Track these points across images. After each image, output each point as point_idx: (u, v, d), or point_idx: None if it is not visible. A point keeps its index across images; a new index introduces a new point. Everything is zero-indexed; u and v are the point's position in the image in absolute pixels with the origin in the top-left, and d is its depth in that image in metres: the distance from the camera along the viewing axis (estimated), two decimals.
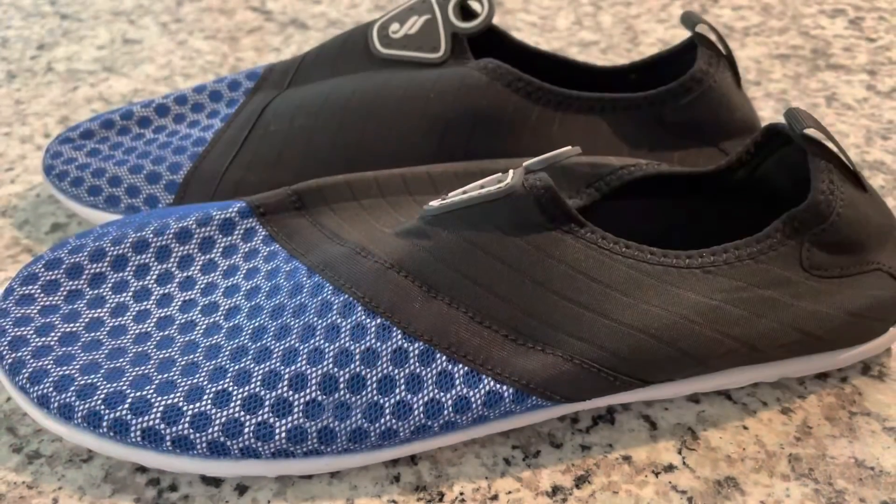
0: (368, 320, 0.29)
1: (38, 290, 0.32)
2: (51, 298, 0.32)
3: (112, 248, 0.33)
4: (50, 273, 0.32)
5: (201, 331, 0.31)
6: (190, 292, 0.32)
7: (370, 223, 0.33)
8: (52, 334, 0.31)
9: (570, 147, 0.30)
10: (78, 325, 0.31)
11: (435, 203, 0.30)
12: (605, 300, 0.29)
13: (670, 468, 0.30)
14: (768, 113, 0.52)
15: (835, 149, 0.31)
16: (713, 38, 0.38)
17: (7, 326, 0.31)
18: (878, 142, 0.49)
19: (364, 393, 0.28)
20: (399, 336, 0.29)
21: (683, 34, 0.62)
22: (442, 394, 0.28)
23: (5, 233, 0.42)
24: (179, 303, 0.32)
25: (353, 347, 0.28)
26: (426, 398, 0.28)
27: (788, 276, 0.30)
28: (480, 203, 0.29)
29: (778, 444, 0.30)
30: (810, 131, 0.31)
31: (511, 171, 0.30)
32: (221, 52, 0.60)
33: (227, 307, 0.31)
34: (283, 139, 0.39)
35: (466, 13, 0.40)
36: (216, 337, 0.30)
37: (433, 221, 0.30)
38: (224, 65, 0.58)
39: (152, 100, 0.42)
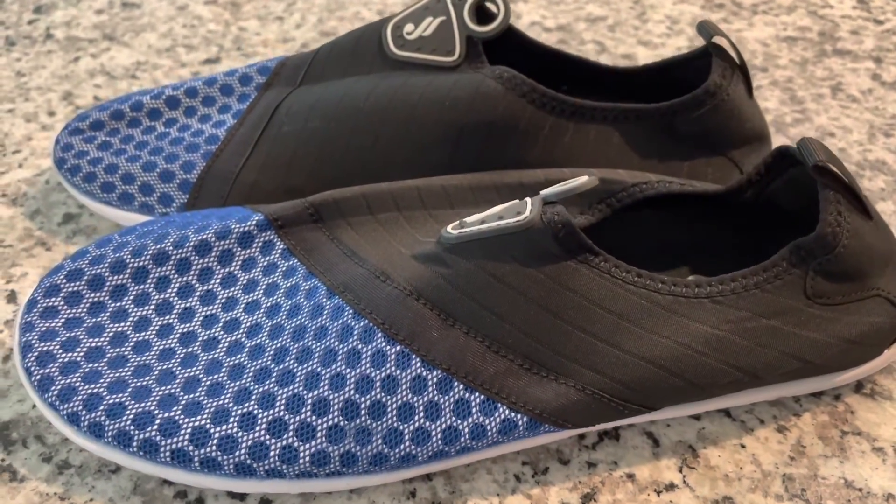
0: (388, 347, 0.30)
1: (61, 302, 0.33)
2: (74, 311, 0.33)
3: (132, 260, 0.33)
4: (72, 284, 0.33)
5: (224, 349, 0.32)
6: (211, 307, 0.33)
7: (387, 241, 0.34)
8: (78, 350, 0.31)
9: (587, 178, 0.31)
10: (102, 339, 0.32)
11: (454, 231, 0.31)
12: (616, 331, 0.30)
13: (671, 487, 0.31)
14: (773, 104, 0.52)
15: (845, 178, 0.32)
16: (728, 48, 0.39)
17: (33, 341, 0.32)
18: (880, 139, 0.49)
19: (384, 419, 0.29)
20: (418, 364, 0.30)
21: (692, 10, 0.62)
22: (459, 421, 0.29)
23: (17, 224, 0.42)
24: (201, 318, 0.33)
25: (373, 374, 0.30)
26: (444, 426, 0.29)
27: (792, 305, 0.32)
28: (498, 235, 0.30)
29: (773, 464, 0.32)
30: (822, 163, 0.32)
31: (528, 202, 0.31)
32: (223, 19, 0.59)
33: (248, 324, 0.32)
34: (297, 141, 0.39)
35: (482, 14, 0.40)
36: (239, 356, 0.31)
37: (452, 249, 0.31)
38: (227, 35, 0.57)
39: (162, 90, 0.42)
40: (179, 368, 0.31)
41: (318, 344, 0.31)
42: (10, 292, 0.38)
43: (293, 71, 0.41)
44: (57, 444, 0.32)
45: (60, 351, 0.31)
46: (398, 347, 0.30)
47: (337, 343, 0.30)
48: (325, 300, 0.32)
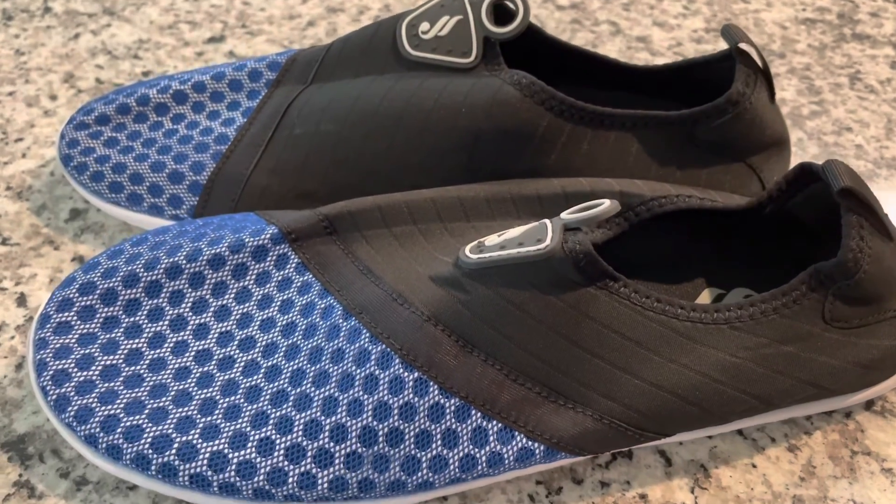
0: (406, 374, 0.30)
1: (74, 317, 0.32)
2: (87, 326, 0.32)
3: (145, 274, 0.33)
4: (85, 298, 0.33)
5: (240, 369, 0.32)
6: (225, 323, 0.33)
7: (403, 257, 0.33)
8: (93, 368, 0.31)
9: (609, 203, 0.30)
10: (117, 356, 0.32)
11: (472, 255, 0.31)
12: (634, 359, 0.30)
13: None
14: (791, 94, 0.51)
15: (869, 202, 0.32)
16: (753, 53, 0.38)
17: (48, 359, 0.31)
18: None
19: (402, 447, 0.29)
20: (436, 391, 0.30)
21: None
22: (476, 449, 0.30)
23: (24, 220, 0.41)
24: (216, 335, 0.32)
25: (391, 401, 0.30)
26: (461, 454, 0.30)
27: (810, 330, 0.32)
28: (518, 262, 0.30)
29: (783, 485, 0.33)
30: (848, 187, 0.31)
31: (549, 228, 0.30)
32: None
33: (264, 343, 0.32)
34: (309, 144, 0.38)
35: (500, 12, 0.38)
36: (255, 377, 0.31)
37: (470, 274, 0.31)
38: (230, 10, 0.56)
39: (169, 84, 0.41)
40: (195, 389, 0.31)
41: (336, 368, 0.31)
42: (20, 295, 0.38)
43: (304, 67, 0.40)
44: (74, 458, 0.32)
45: (75, 369, 0.31)
46: (416, 374, 0.30)
47: (354, 368, 0.30)
48: (341, 321, 0.32)
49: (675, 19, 0.57)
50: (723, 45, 0.55)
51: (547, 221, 0.31)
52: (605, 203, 0.30)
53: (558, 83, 0.42)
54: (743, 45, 0.37)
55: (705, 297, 0.37)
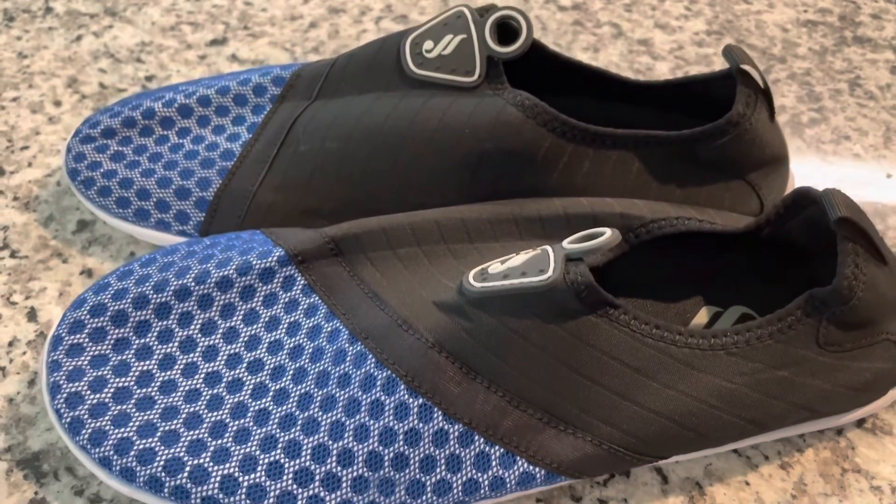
0: (411, 400, 0.31)
1: (86, 339, 0.33)
2: (99, 347, 0.33)
3: (154, 296, 0.34)
4: (95, 320, 0.33)
5: (249, 391, 0.32)
6: (234, 345, 0.34)
7: (408, 280, 0.34)
8: (106, 390, 0.32)
9: (611, 233, 0.31)
10: (129, 378, 0.33)
11: (476, 283, 0.31)
12: (633, 385, 0.31)
13: None
14: (791, 101, 0.51)
15: (866, 230, 0.32)
16: (754, 74, 0.38)
17: (61, 381, 0.32)
18: (895, 143, 0.49)
19: (407, 471, 0.30)
20: (440, 417, 0.31)
21: None
22: (479, 474, 0.31)
23: (31, 231, 0.42)
24: (225, 357, 0.33)
25: (396, 427, 0.30)
26: (465, 478, 0.31)
27: (804, 355, 0.32)
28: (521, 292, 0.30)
29: (776, 503, 0.34)
30: (844, 217, 0.32)
31: (551, 258, 0.31)
32: None
33: (272, 366, 0.33)
34: (314, 161, 0.38)
35: (504, 29, 0.39)
36: (264, 400, 0.32)
37: (474, 302, 0.31)
38: (232, 10, 0.56)
39: (174, 97, 0.41)
40: (206, 411, 0.32)
41: (342, 392, 0.31)
42: (31, 309, 0.39)
43: (309, 83, 0.40)
44: (88, 476, 0.33)
45: (88, 392, 0.32)
46: (420, 400, 0.31)
47: (360, 393, 0.31)
48: (347, 345, 0.32)
49: (677, 21, 0.57)
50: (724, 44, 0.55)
51: (549, 250, 0.32)
52: (607, 234, 0.31)
53: (559, 96, 0.42)
54: (745, 67, 0.37)
55: (702, 316, 0.38)
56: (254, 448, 0.31)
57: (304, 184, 0.39)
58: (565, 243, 0.32)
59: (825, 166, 0.48)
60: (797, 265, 0.38)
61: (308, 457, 0.30)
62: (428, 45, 0.39)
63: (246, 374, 0.33)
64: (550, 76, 0.42)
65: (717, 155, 0.38)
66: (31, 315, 0.39)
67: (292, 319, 0.34)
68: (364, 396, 0.31)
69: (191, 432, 0.31)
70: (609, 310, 0.31)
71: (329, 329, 0.33)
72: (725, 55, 0.38)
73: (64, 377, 0.32)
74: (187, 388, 0.33)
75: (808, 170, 0.47)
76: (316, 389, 0.32)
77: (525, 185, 0.38)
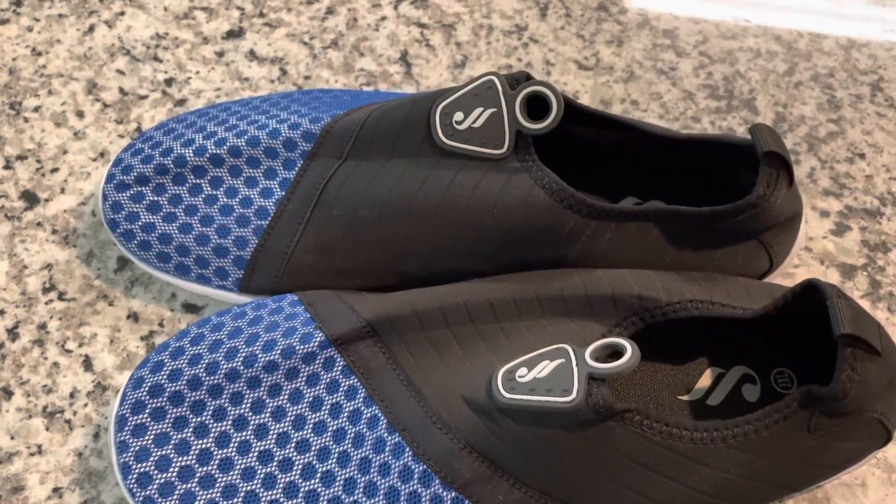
0: (445, 493, 0.35)
1: (148, 418, 0.37)
2: (160, 426, 0.37)
3: (207, 378, 0.37)
4: (155, 400, 0.37)
5: (298, 471, 0.36)
6: (281, 424, 0.37)
7: (441, 370, 0.37)
8: (171, 469, 0.36)
9: (630, 355, 0.33)
10: (190, 457, 0.36)
11: (505, 393, 0.34)
12: (643, 480, 0.35)
13: None
14: (810, 109, 0.52)
15: (868, 337, 0.35)
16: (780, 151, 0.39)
17: (130, 462, 0.36)
18: None
19: None
20: None
21: None
22: None
23: (75, 270, 0.44)
24: (275, 436, 0.37)
25: None
26: None
27: (795, 443, 0.36)
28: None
29: None
30: (848, 333, 0.34)
31: (575, 379, 0.34)
32: None
33: (318, 447, 0.37)
34: (348, 228, 0.40)
35: (533, 99, 0.39)
36: (312, 481, 0.36)
37: (503, 410, 0.34)
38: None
39: (203, 144, 0.42)
40: (262, 489, 0.36)
41: (383, 481, 0.35)
42: (85, 358, 0.42)
43: (338, 141, 0.41)
44: None
45: (156, 471, 0.36)
46: (453, 494, 0.35)
47: (400, 483, 0.35)
48: (386, 435, 0.36)
49: (705, 2, 0.56)
50: (750, 34, 0.54)
51: (573, 361, 0.34)
52: (628, 354, 0.34)
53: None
54: (771, 150, 0.38)
55: (706, 379, 0.41)
56: None
57: (337, 247, 0.40)
58: (588, 356, 0.34)
59: (837, 187, 0.49)
60: (797, 326, 0.41)
61: None
62: (458, 116, 0.39)
63: (294, 453, 0.37)
64: (572, 129, 0.43)
65: (736, 227, 0.40)
66: (87, 364, 0.42)
67: (334, 401, 0.37)
68: (403, 487, 0.35)
69: None
70: (625, 415, 0.34)
71: (368, 415, 0.37)
72: (752, 134, 0.39)
73: (132, 457, 0.36)
74: (243, 465, 0.36)
75: (817, 202, 0.49)
76: (359, 475, 0.36)
77: (547, 255, 0.40)
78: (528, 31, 0.54)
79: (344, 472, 0.36)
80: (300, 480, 0.36)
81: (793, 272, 0.46)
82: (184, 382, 0.37)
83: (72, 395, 0.41)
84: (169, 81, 0.50)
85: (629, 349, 0.34)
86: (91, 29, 0.52)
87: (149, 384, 0.37)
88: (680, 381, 0.41)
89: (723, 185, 0.44)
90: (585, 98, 0.52)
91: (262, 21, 0.53)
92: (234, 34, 0.52)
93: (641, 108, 0.51)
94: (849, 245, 0.47)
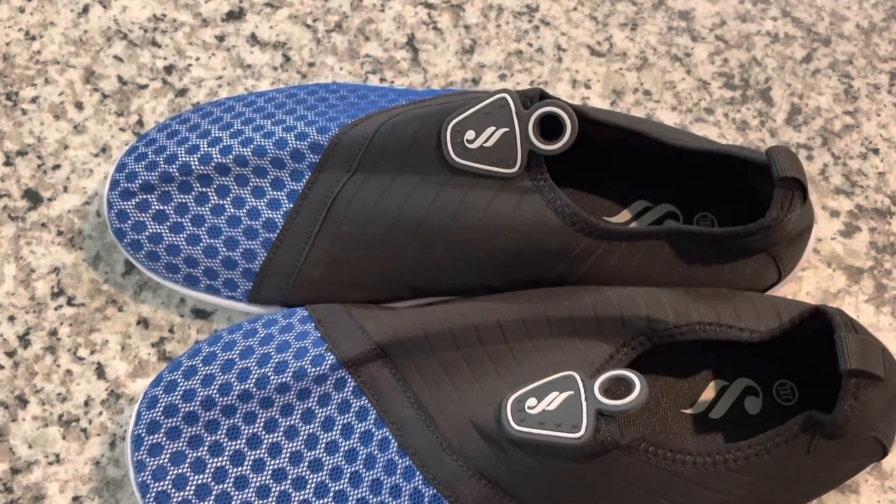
0: None
1: (164, 438, 0.37)
2: (176, 445, 0.37)
3: (221, 399, 0.38)
4: (170, 420, 0.37)
5: (312, 489, 0.37)
6: (294, 442, 0.38)
7: (450, 390, 0.38)
8: (188, 487, 0.37)
9: (639, 392, 0.34)
10: (206, 475, 0.37)
11: (515, 425, 0.35)
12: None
13: None
14: (826, 100, 0.50)
15: (873, 370, 0.36)
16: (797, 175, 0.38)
17: (148, 480, 0.37)
18: None
19: None
20: None
21: None
22: None
23: (83, 274, 0.44)
24: (288, 454, 0.38)
25: None
26: None
27: (794, 464, 0.37)
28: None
29: None
30: (853, 369, 0.35)
31: (584, 415, 0.34)
32: None
33: (330, 466, 0.38)
34: (357, 244, 0.40)
35: (547, 119, 0.38)
36: (325, 500, 0.37)
37: (511, 440, 0.35)
38: None
39: (209, 152, 0.41)
40: None
41: (395, 502, 0.37)
42: (98, 366, 0.42)
43: (347, 154, 0.40)
44: None
45: (173, 489, 0.37)
46: None
47: None
48: (396, 457, 0.37)
49: None
50: (770, 15, 0.52)
51: (581, 394, 0.35)
52: (636, 391, 0.34)
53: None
54: (789, 176, 0.38)
55: (710, 392, 0.42)
56: None
57: (347, 262, 0.40)
58: (597, 390, 0.35)
59: (848, 186, 0.49)
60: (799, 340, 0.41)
61: None
62: (469, 134, 0.38)
63: (307, 472, 0.38)
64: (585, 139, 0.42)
65: (748, 245, 0.40)
66: (100, 372, 0.42)
67: (345, 421, 0.38)
68: None
69: None
70: (631, 444, 0.35)
71: (379, 437, 0.37)
72: (770, 156, 0.38)
73: (150, 476, 0.37)
74: (257, 483, 0.37)
75: (828, 200, 0.48)
76: (371, 496, 0.37)
77: (556, 274, 0.40)
78: (539, 11, 0.52)
79: (356, 492, 0.37)
80: (313, 499, 0.37)
81: (800, 275, 0.46)
82: (197, 403, 0.37)
83: (86, 404, 0.41)
84: (169, 69, 0.49)
85: (637, 385, 0.34)
86: (85, 10, 0.50)
87: (163, 404, 0.37)
88: (684, 393, 0.42)
89: (736, 191, 0.43)
90: (598, 87, 0.50)
91: (264, 1, 0.51)
92: (235, 15, 0.50)
93: (654, 99, 0.50)
94: (857, 247, 0.47)
